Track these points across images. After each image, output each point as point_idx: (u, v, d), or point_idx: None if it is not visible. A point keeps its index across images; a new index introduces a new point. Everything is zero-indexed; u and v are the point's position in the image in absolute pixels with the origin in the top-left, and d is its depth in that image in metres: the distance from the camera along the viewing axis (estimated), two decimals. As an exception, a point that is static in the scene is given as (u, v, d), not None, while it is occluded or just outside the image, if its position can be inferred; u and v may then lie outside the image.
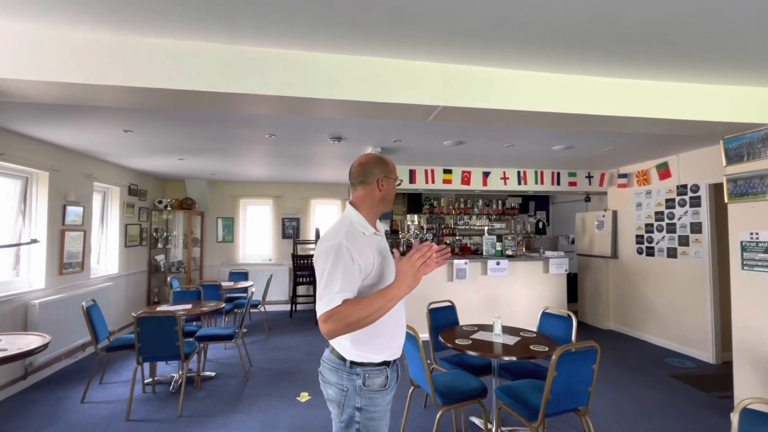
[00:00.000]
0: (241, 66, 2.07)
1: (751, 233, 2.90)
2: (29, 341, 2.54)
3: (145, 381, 3.68)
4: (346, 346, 1.39)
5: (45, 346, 2.48)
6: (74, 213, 4.42)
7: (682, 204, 4.74)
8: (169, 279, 5.77)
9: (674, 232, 4.82)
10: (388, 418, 1.47)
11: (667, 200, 4.94)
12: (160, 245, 6.60)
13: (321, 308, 1.28)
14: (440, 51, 2.14)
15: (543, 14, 1.77)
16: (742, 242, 2.97)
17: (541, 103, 2.40)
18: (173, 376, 3.82)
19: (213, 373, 4.00)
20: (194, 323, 4.50)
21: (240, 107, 2.33)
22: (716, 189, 4.42)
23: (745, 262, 2.94)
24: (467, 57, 2.21)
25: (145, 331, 3.11)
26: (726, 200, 3.07)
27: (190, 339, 3.70)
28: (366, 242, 1.40)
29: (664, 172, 4.96)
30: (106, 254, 5.38)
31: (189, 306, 3.95)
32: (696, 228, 4.56)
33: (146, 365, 3.78)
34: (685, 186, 4.70)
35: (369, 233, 1.45)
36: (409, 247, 6.16)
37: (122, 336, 3.70)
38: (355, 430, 1.38)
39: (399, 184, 1.57)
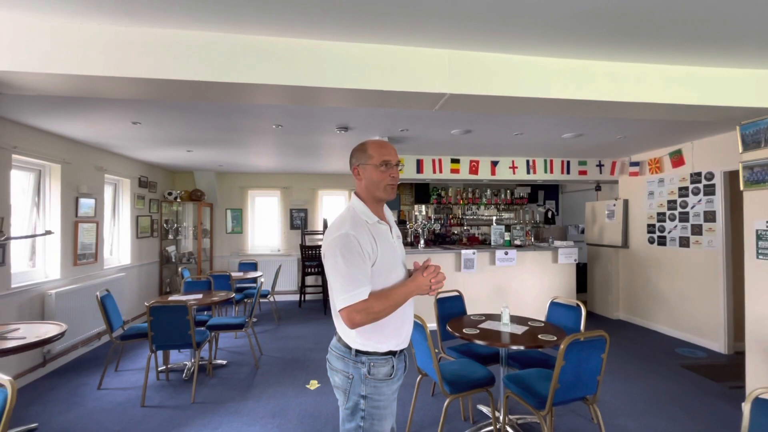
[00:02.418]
0: (247, 55, 2.06)
1: None
2: (47, 330, 2.61)
3: (159, 369, 3.77)
4: (352, 335, 1.40)
5: (62, 334, 2.55)
6: (86, 205, 4.49)
7: (696, 192, 4.64)
8: (180, 269, 5.87)
9: (687, 221, 4.74)
10: (395, 407, 1.48)
11: (680, 188, 4.84)
12: (170, 236, 6.70)
13: (346, 301, 1.30)
14: (447, 37, 2.10)
15: (553, -3, 1.72)
16: (757, 231, 2.90)
17: (551, 90, 2.35)
18: (186, 364, 3.91)
19: (224, 362, 4.08)
20: (205, 313, 4.58)
21: (246, 97, 2.33)
22: (731, 176, 4.32)
23: (760, 251, 2.88)
24: (475, 43, 2.17)
25: (157, 320, 3.18)
26: (742, 188, 3.00)
27: (202, 328, 3.77)
28: (369, 230, 1.41)
29: (677, 159, 4.85)
30: (119, 245, 5.48)
31: (200, 296, 4.01)
32: (710, 216, 4.47)
33: (159, 353, 3.87)
34: (699, 174, 4.60)
35: (372, 222, 1.45)
36: (417, 238, 6.15)
37: (136, 325, 3.78)
38: (359, 417, 1.40)
39: (385, 167, 1.44)
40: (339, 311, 1.32)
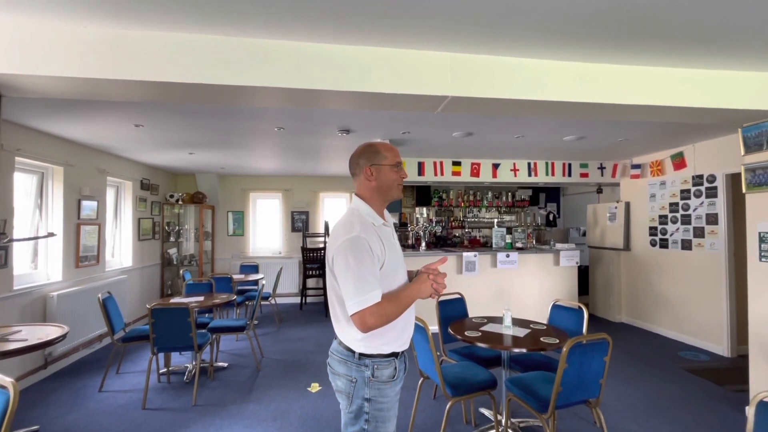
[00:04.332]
0: (248, 58, 2.07)
1: (770, 224, 2.83)
2: (48, 332, 2.61)
3: (160, 371, 3.76)
4: (356, 338, 1.39)
5: (63, 336, 2.56)
6: (89, 207, 4.51)
7: (698, 195, 4.63)
8: (181, 272, 5.87)
9: (689, 223, 4.73)
10: (397, 409, 1.48)
11: (682, 191, 4.84)
12: (172, 239, 6.71)
13: (360, 305, 1.28)
14: (449, 40, 2.11)
15: (556, 0, 1.72)
16: (760, 233, 2.89)
17: (553, 92, 2.35)
18: (187, 367, 3.90)
19: (225, 364, 4.07)
20: (207, 315, 4.58)
21: (248, 100, 2.34)
22: (734, 179, 4.31)
23: (763, 254, 2.87)
24: (476, 46, 2.18)
25: (159, 322, 3.18)
26: (744, 190, 3.00)
27: (203, 330, 3.76)
28: (375, 232, 1.40)
29: (679, 162, 4.85)
30: (120, 248, 5.49)
31: (201, 298, 4.01)
32: (712, 219, 4.46)
33: (161, 356, 3.86)
34: (701, 176, 4.59)
35: (378, 224, 1.45)
36: (418, 240, 6.15)
37: (137, 327, 3.78)
38: (364, 420, 1.39)
39: (398, 167, 1.48)
40: (351, 315, 1.30)
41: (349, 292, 1.30)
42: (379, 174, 1.46)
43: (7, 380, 1.43)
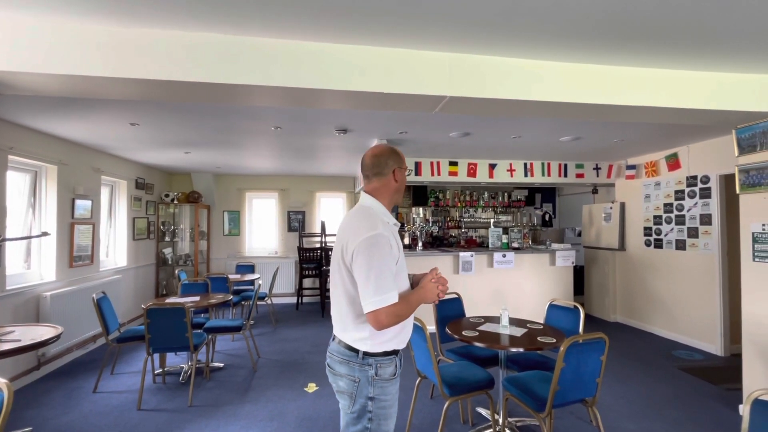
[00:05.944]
0: (245, 57, 2.06)
1: (764, 224, 2.86)
2: (42, 332, 2.58)
3: (156, 372, 3.74)
4: (359, 337, 1.40)
5: (57, 337, 2.53)
6: (83, 206, 4.46)
7: (692, 195, 4.68)
8: (176, 272, 5.83)
9: (683, 224, 4.77)
10: (397, 406, 1.49)
11: (676, 192, 4.88)
12: (167, 238, 6.66)
13: (378, 303, 1.30)
14: (448, 40, 2.11)
15: (554, 2, 1.73)
16: (753, 233, 2.92)
17: (550, 93, 2.36)
18: (183, 367, 3.88)
19: (221, 364, 4.05)
20: (202, 315, 4.55)
21: (245, 99, 2.33)
22: (727, 180, 4.36)
23: (756, 254, 2.90)
24: (475, 46, 2.18)
25: (154, 322, 3.15)
26: (738, 191, 3.03)
27: (199, 330, 3.74)
28: (391, 231, 1.44)
29: (673, 163, 4.89)
30: (115, 247, 5.44)
31: (197, 298, 3.99)
32: (706, 219, 4.50)
33: (156, 356, 3.83)
34: (695, 177, 4.64)
35: (392, 224, 1.48)
36: (414, 240, 6.16)
37: (132, 327, 3.75)
38: (367, 419, 1.40)
39: (409, 174, 1.57)
40: (367, 312, 1.32)
41: (368, 290, 1.32)
42: (400, 177, 1.53)
43: (1, 381, 1.41)
